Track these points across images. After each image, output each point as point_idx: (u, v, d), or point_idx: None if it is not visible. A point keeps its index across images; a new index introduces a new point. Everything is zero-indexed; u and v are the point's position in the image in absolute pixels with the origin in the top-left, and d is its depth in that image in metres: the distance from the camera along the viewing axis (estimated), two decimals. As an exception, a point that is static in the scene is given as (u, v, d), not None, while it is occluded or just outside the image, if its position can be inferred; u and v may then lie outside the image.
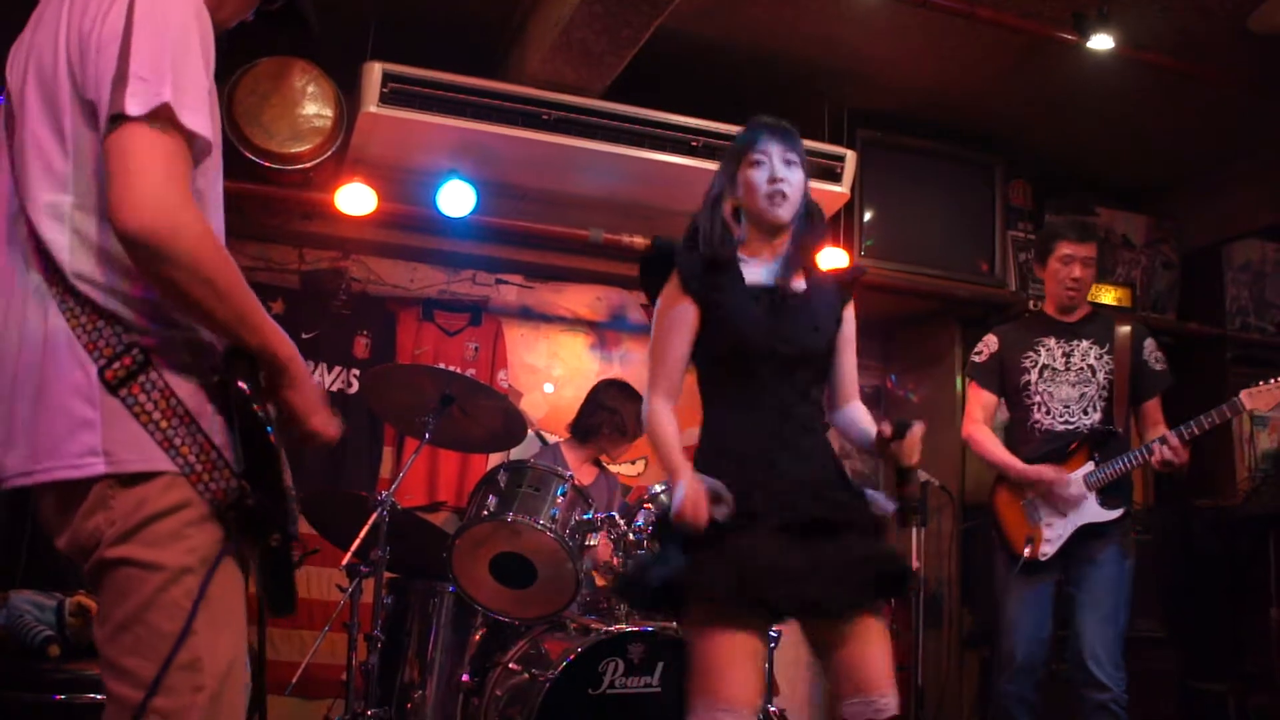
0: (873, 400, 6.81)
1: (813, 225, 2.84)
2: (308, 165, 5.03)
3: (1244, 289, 6.81)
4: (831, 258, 5.68)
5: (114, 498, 1.70)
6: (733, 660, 2.52)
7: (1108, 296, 6.45)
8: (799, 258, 2.80)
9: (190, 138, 1.69)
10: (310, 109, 4.97)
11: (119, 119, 1.64)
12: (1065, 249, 4.29)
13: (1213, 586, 5.99)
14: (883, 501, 2.73)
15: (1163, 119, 5.89)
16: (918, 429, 2.67)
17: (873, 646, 2.60)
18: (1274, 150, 5.99)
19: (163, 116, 1.65)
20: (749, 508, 2.55)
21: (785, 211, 2.75)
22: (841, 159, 5.46)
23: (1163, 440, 4.00)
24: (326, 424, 1.88)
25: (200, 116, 1.70)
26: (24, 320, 1.77)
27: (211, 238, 1.69)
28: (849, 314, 2.89)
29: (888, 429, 2.68)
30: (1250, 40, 4.99)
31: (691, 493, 2.52)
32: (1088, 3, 4.81)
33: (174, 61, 1.68)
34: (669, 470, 2.64)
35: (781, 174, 2.72)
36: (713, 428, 2.75)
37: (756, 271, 2.78)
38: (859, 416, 2.89)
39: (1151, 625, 5.68)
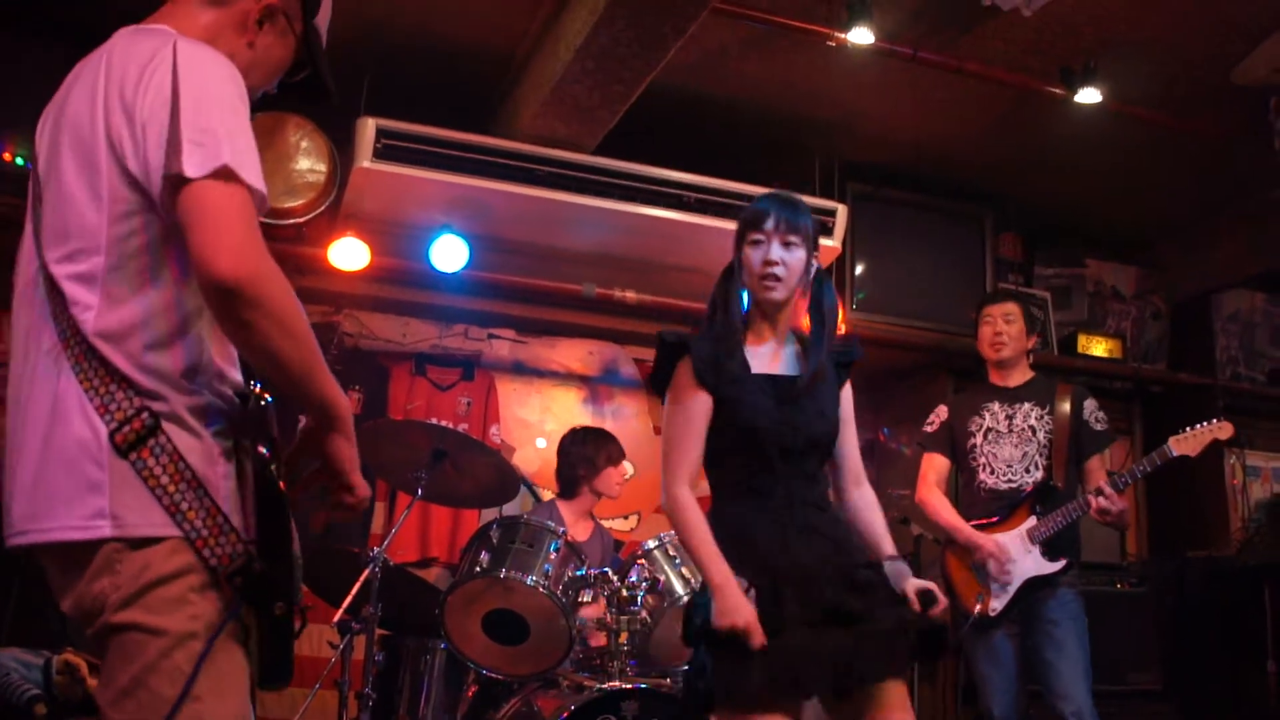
0: (866, 454, 6.77)
1: (824, 319, 2.82)
2: (301, 220, 5.05)
3: (1234, 338, 6.84)
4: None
5: (120, 562, 1.69)
6: None
7: (1098, 348, 6.47)
8: (821, 359, 2.78)
9: (252, 192, 1.72)
10: (304, 164, 4.99)
11: (183, 180, 1.66)
12: (985, 311, 4.57)
13: (1209, 638, 5.96)
14: (899, 569, 2.73)
15: (1151, 171, 5.94)
16: (940, 606, 2.73)
17: (899, 709, 2.58)
18: (1261, 201, 6.04)
19: (227, 174, 1.68)
20: (779, 605, 2.52)
21: (779, 294, 2.74)
22: (833, 213, 5.49)
23: (1098, 491, 4.14)
24: (363, 483, 1.90)
25: (255, 176, 1.73)
26: (35, 380, 1.78)
27: (290, 289, 1.72)
28: (846, 394, 2.90)
29: (915, 601, 2.70)
30: (1234, 93, 5.05)
31: (742, 609, 2.49)
32: (1075, 57, 4.87)
33: (225, 124, 1.72)
34: (708, 572, 2.57)
35: (777, 256, 2.71)
36: (728, 520, 2.71)
37: (763, 357, 2.78)
38: (870, 516, 2.88)
39: (1148, 678, 5.66)
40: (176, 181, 1.67)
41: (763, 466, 2.68)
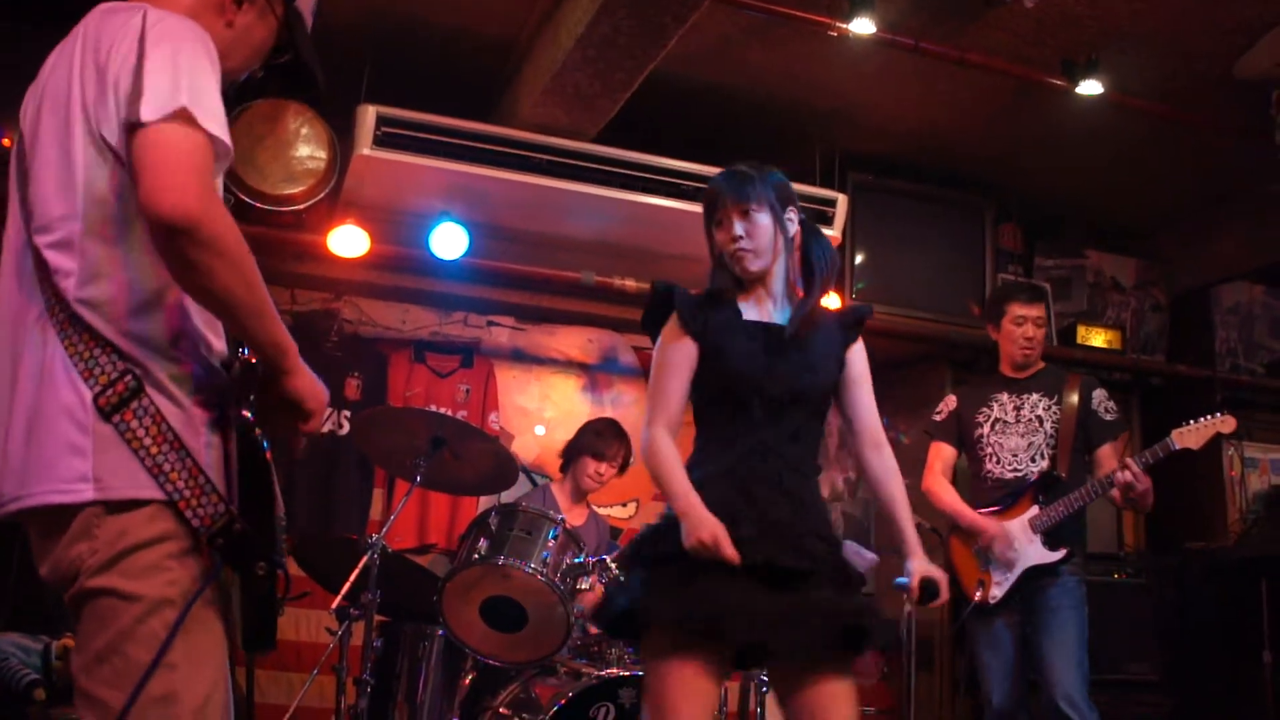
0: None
1: (813, 270, 2.84)
2: (301, 207, 5.04)
3: (1233, 331, 6.84)
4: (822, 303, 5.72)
5: (98, 526, 1.70)
6: (685, 695, 2.50)
7: (1098, 339, 6.47)
8: (807, 308, 2.78)
9: (211, 139, 1.73)
10: (304, 151, 4.99)
11: (138, 125, 1.68)
12: (1017, 310, 4.51)
13: (1205, 630, 5.97)
14: (862, 556, 2.73)
15: (1152, 163, 5.93)
16: (942, 598, 2.75)
17: (836, 706, 2.56)
18: (1261, 194, 6.03)
19: (182, 118, 1.69)
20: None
21: (752, 264, 2.76)
22: (833, 203, 5.49)
23: (1123, 466, 4.13)
24: (321, 411, 1.92)
25: (216, 124, 1.74)
26: (23, 349, 1.79)
27: (236, 227, 1.72)
28: (855, 354, 2.86)
29: (915, 588, 2.73)
30: (1236, 86, 5.04)
31: (708, 522, 2.49)
32: (1077, 49, 4.87)
33: (189, 77, 1.74)
34: (675, 496, 2.58)
35: (739, 231, 2.73)
36: (698, 458, 2.73)
37: (754, 309, 2.79)
38: (891, 488, 2.84)
39: (1144, 669, 5.66)
40: (133, 128, 1.69)
41: (743, 414, 2.67)
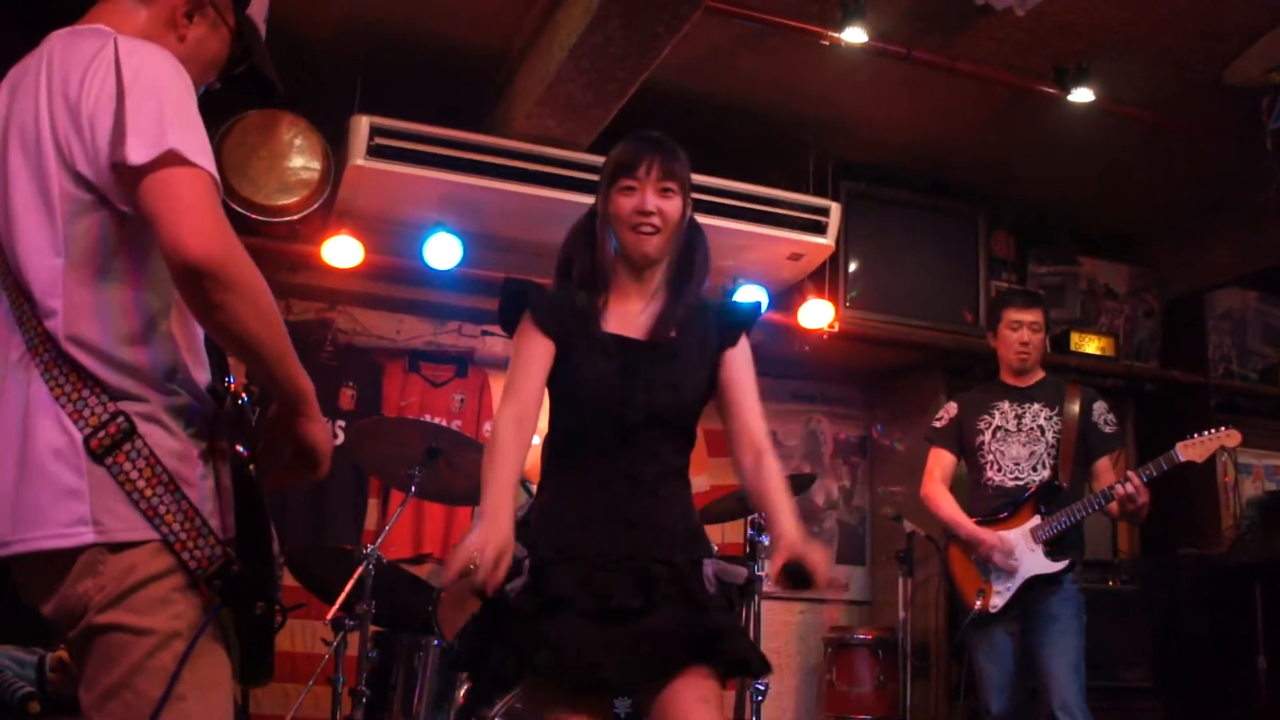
0: (858, 450, 6.81)
1: (693, 269, 2.59)
2: (295, 217, 5.04)
3: (1226, 337, 6.85)
4: (816, 311, 5.73)
5: (103, 563, 1.69)
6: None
7: (1091, 346, 6.48)
8: (676, 310, 2.55)
9: (210, 174, 1.71)
10: (298, 161, 4.99)
11: (132, 168, 1.66)
12: (1012, 315, 4.54)
13: (1199, 636, 5.98)
14: (728, 571, 2.50)
15: (1144, 170, 5.95)
16: (818, 582, 2.37)
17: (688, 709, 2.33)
18: (1253, 200, 6.04)
19: (177, 159, 1.67)
20: (554, 592, 2.35)
21: (653, 247, 2.51)
22: (826, 211, 5.50)
23: (1125, 480, 4.18)
24: (328, 460, 1.91)
25: (208, 160, 1.72)
26: (5, 391, 1.76)
27: (258, 270, 1.72)
28: (734, 355, 2.60)
29: (777, 575, 2.37)
30: (1226, 93, 5.06)
31: (490, 537, 2.24)
32: (1068, 57, 4.88)
33: (170, 111, 1.71)
34: (481, 498, 2.35)
35: (652, 205, 2.48)
36: (544, 489, 2.58)
37: (621, 317, 2.55)
38: (768, 489, 2.52)
39: (1138, 675, 5.68)
40: (125, 170, 1.67)
41: (589, 436, 2.50)
